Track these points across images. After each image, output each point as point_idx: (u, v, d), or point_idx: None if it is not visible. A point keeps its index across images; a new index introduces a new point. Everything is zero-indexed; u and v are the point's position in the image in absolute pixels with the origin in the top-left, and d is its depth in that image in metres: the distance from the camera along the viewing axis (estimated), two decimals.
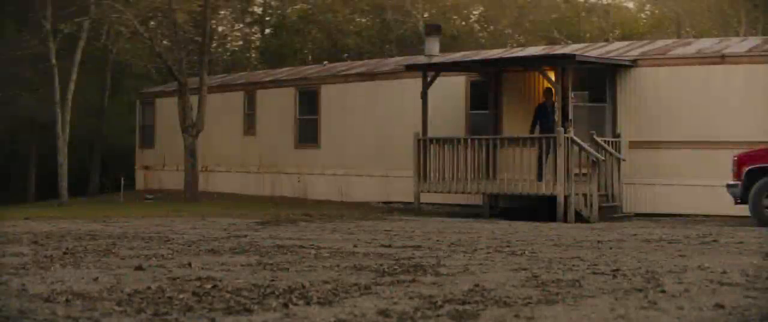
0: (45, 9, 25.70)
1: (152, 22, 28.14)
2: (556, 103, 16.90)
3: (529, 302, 5.10)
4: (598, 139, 16.34)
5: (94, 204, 23.56)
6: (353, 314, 4.68)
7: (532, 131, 17.17)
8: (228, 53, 44.44)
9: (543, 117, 17.16)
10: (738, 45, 17.72)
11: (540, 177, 16.49)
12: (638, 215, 16.52)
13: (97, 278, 6.14)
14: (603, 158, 16.07)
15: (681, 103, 16.62)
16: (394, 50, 38.42)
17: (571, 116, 16.39)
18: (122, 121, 35.58)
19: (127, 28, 25.83)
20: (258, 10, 44.53)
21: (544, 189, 15.88)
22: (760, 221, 13.64)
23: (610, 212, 16.20)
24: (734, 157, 14.24)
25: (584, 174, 15.80)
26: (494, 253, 8.29)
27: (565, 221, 15.18)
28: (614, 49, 19.06)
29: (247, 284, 5.81)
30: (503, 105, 18.79)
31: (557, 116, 16.69)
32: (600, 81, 17.47)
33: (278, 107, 23.45)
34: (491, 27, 44.10)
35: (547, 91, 17.33)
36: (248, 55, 45.46)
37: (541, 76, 17.21)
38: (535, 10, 41.75)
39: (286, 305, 4.90)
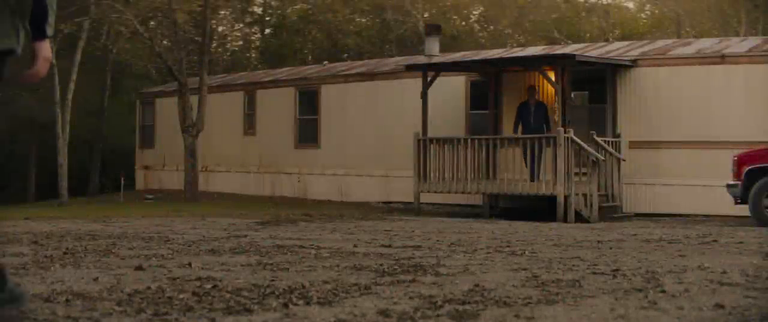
0: None
1: (152, 22, 28.17)
2: (539, 102, 17.09)
3: (529, 302, 5.10)
4: (598, 139, 16.35)
5: (94, 204, 23.58)
6: (353, 314, 4.68)
7: (514, 131, 17.29)
8: (228, 53, 44.48)
9: (525, 116, 17.22)
10: (738, 45, 17.73)
11: (532, 178, 16.54)
12: (638, 215, 16.53)
13: (97, 278, 6.14)
14: (603, 158, 16.08)
15: (681, 103, 16.63)
16: (394, 50, 38.45)
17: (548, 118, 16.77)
18: (122, 121, 35.61)
19: (127, 28, 25.85)
20: (258, 10, 44.54)
21: (543, 189, 15.89)
22: (760, 220, 13.64)
23: (610, 212, 16.21)
24: (734, 157, 14.24)
25: (584, 174, 15.81)
26: (494, 253, 8.29)
27: (565, 221, 15.18)
28: (614, 49, 19.08)
29: (247, 284, 5.81)
30: (503, 105, 18.81)
31: (557, 116, 16.72)
32: (600, 81, 17.48)
33: (278, 107, 23.47)
34: (491, 27, 44.12)
35: (530, 89, 17.45)
36: (248, 55, 45.50)
37: (541, 76, 17.23)
38: (535, 10, 41.77)
39: (286, 305, 4.90)
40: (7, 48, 3.49)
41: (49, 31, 3.73)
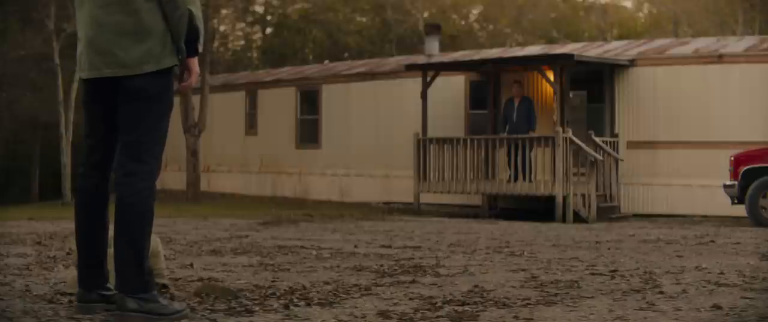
0: (48, 8, 25.74)
1: None
2: (524, 98, 17.06)
3: (529, 303, 5.16)
4: (597, 139, 16.40)
5: None
6: (354, 315, 4.74)
7: (503, 131, 17.29)
8: (230, 53, 44.53)
9: (509, 114, 17.22)
10: (735, 44, 17.78)
11: (511, 179, 16.55)
12: (636, 216, 16.57)
13: None
14: (601, 158, 16.12)
15: (678, 103, 16.66)
16: (394, 50, 38.51)
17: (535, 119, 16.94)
18: None
19: None
20: (259, 9, 44.60)
21: (542, 189, 15.94)
22: (756, 221, 13.67)
23: (609, 212, 16.26)
24: (731, 157, 14.28)
25: (582, 174, 15.86)
26: (493, 253, 8.35)
27: (564, 221, 15.23)
28: (612, 49, 19.12)
29: (249, 284, 5.86)
30: (502, 105, 18.84)
31: (556, 116, 16.77)
32: (598, 81, 17.52)
33: (279, 107, 23.49)
34: (490, 26, 44.21)
35: (515, 84, 17.36)
36: (250, 54, 45.55)
37: (540, 76, 17.28)
38: (533, 9, 41.86)
39: (287, 306, 4.95)
40: (174, 64, 4.47)
41: (200, 49, 4.52)
